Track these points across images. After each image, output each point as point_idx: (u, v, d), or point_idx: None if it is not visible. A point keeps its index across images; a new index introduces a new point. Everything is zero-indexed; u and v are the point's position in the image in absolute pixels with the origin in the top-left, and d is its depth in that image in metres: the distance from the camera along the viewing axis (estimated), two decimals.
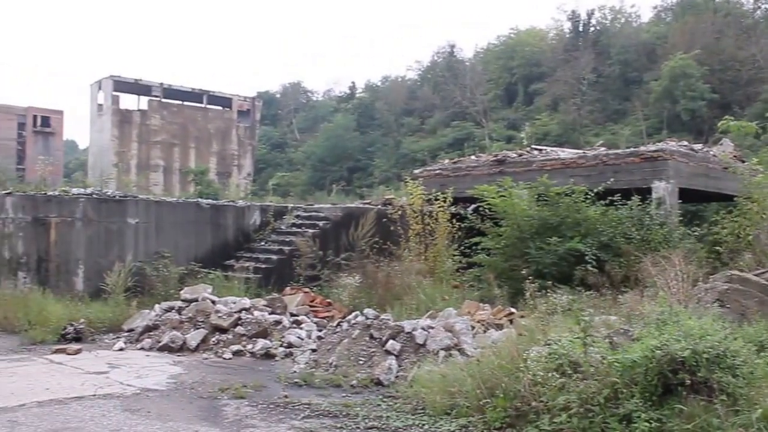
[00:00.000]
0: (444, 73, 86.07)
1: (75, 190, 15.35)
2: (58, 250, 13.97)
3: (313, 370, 9.01)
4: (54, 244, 13.91)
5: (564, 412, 5.85)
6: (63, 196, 14.41)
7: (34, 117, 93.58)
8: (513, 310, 10.99)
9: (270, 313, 11.42)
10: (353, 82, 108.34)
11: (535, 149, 20.78)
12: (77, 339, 11.12)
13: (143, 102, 76.72)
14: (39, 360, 9.85)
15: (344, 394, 8.03)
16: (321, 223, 16.27)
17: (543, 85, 72.08)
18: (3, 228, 13.76)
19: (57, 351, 10.26)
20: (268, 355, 10.16)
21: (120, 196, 15.50)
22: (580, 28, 74.57)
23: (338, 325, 10.14)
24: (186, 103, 79.71)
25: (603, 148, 19.66)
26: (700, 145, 20.70)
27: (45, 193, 14.57)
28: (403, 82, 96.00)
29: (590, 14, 74.88)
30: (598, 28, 74.71)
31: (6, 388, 8.01)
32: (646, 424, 5.45)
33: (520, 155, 19.57)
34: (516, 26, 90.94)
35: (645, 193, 15.30)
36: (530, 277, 9.08)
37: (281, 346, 10.37)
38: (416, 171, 21.39)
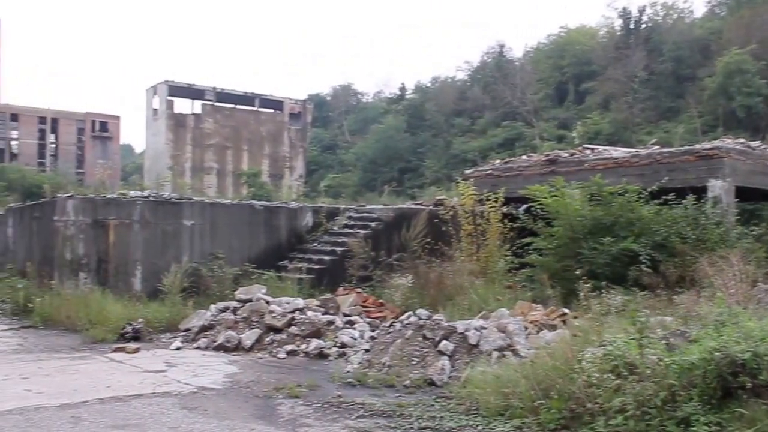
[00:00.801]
0: (494, 73, 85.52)
1: (132, 193, 15.69)
2: (117, 252, 14.30)
3: (367, 370, 9.05)
4: (113, 245, 14.24)
5: (620, 415, 5.79)
6: (121, 199, 14.76)
7: (93, 122, 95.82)
8: (566, 310, 10.89)
9: (323, 314, 11.51)
10: (403, 84, 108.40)
11: (587, 148, 20.55)
12: (136, 338, 11.37)
13: (197, 106, 77.97)
14: (100, 358, 10.10)
15: (397, 394, 8.05)
16: (373, 224, 16.34)
17: (594, 83, 71.18)
18: (65, 230, 14.10)
19: (116, 350, 10.51)
20: (321, 355, 10.25)
21: (176, 199, 15.81)
22: (632, 25, 73.33)
23: (391, 325, 10.16)
24: (238, 106, 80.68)
25: (656, 147, 19.33)
26: (758, 142, 20.24)
27: (104, 196, 14.92)
28: (452, 82, 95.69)
29: (641, 11, 73.63)
30: (649, 24, 73.41)
31: (69, 385, 8.24)
32: (705, 427, 5.37)
33: (572, 155, 19.38)
34: (566, 25, 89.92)
35: (700, 192, 15.00)
36: (584, 278, 8.99)
37: (334, 346, 10.46)
38: (467, 171, 21.33)
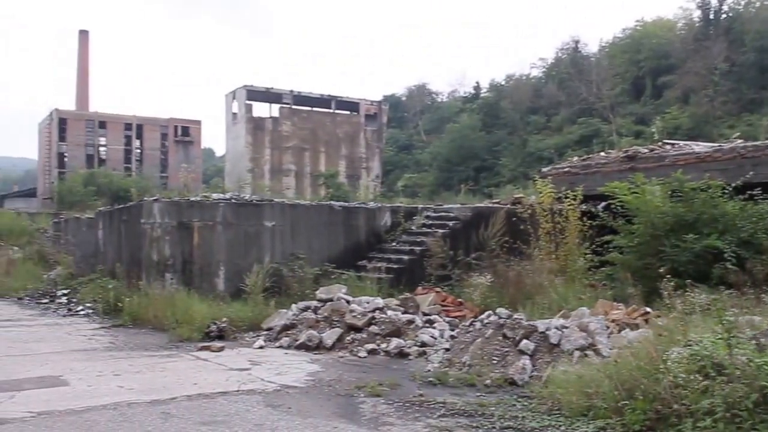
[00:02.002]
0: (569, 70, 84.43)
1: (215, 196, 16.05)
2: (201, 253, 14.66)
3: (447, 369, 9.06)
4: (197, 246, 14.61)
5: (708, 417, 5.64)
6: (204, 202, 15.12)
7: (175, 127, 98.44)
8: (648, 309, 10.67)
9: (403, 313, 11.56)
10: (477, 82, 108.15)
11: (667, 144, 20.06)
12: (220, 337, 11.65)
13: (275, 109, 79.11)
14: (186, 356, 10.38)
15: (478, 394, 8.03)
16: (451, 223, 16.32)
17: (672, 77, 69.45)
18: (151, 232, 14.54)
19: (202, 348, 10.78)
20: (401, 354, 10.30)
21: (257, 200, 16.11)
22: (711, 16, 71.25)
23: (471, 324, 10.15)
24: (315, 108, 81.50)
25: (740, 141, 18.72)
26: None
27: (188, 199, 15.32)
28: (527, 80, 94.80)
29: (722, 1, 71.32)
30: (730, 14, 71.19)
31: (158, 382, 8.50)
32: None
33: (652, 150, 18.93)
34: (642, 18, 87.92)
35: None
36: (666, 276, 8.80)
37: (415, 345, 10.50)
38: (544, 169, 21.09)
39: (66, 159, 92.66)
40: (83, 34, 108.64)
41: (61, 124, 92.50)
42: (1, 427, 6.48)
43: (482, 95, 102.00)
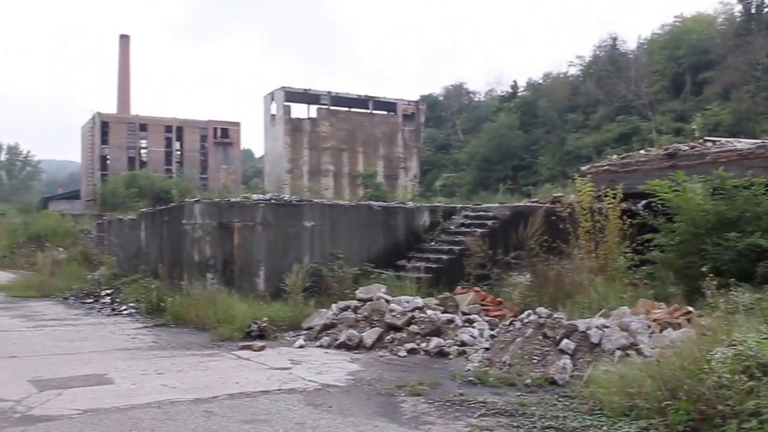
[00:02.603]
0: (607, 67, 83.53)
1: (255, 196, 16.19)
2: (242, 253, 14.80)
3: (487, 368, 9.03)
4: (237, 247, 14.75)
5: (754, 418, 5.55)
6: (244, 202, 15.26)
7: (215, 129, 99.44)
8: (690, 308, 10.52)
9: (442, 312, 11.55)
10: (515, 81, 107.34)
11: (708, 141, 19.75)
12: (261, 336, 11.74)
13: (312, 110, 79.43)
14: (228, 356, 10.49)
15: (519, 393, 7.99)
16: (490, 223, 16.26)
17: (712, 73, 68.32)
18: (192, 233, 14.71)
19: (243, 347, 10.88)
20: (441, 354, 10.29)
21: (296, 201, 16.21)
22: (753, 10, 69.78)
23: (511, 323, 10.10)
24: (353, 109, 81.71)
25: None
26: None
27: (228, 200, 15.48)
28: (565, 78, 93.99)
29: None
30: None
31: (201, 381, 8.60)
32: None
33: (693, 148, 18.67)
34: (681, 14, 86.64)
35: None
36: (709, 275, 8.67)
37: (454, 344, 10.49)
38: (583, 168, 20.91)
39: (108, 161, 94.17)
40: (124, 39, 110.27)
41: (103, 128, 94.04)
42: (49, 424, 6.61)
43: (520, 94, 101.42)
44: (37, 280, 20.49)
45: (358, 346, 10.80)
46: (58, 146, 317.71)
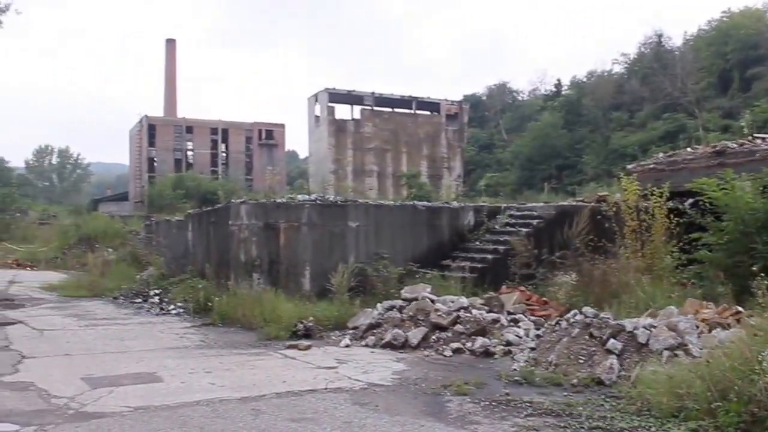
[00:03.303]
0: (652, 64, 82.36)
1: (300, 197, 16.30)
2: (287, 253, 14.92)
3: (533, 368, 8.99)
4: (283, 247, 14.87)
5: None
6: (290, 203, 15.39)
7: (260, 131, 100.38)
8: (740, 308, 10.33)
9: (487, 312, 11.53)
10: (558, 80, 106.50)
11: (758, 138, 19.32)
12: (307, 336, 11.82)
13: (356, 111, 79.69)
14: (274, 355, 10.59)
15: (565, 393, 7.95)
16: (535, 222, 16.16)
17: (761, 68, 66.93)
18: (239, 233, 14.87)
19: (289, 347, 10.97)
20: (487, 353, 10.27)
21: (341, 201, 16.29)
22: None
23: (557, 323, 10.04)
24: (396, 110, 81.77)
25: None
26: None
27: (274, 201, 15.61)
28: (609, 76, 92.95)
29: None
30: None
31: (248, 380, 8.70)
32: None
33: (741, 145, 18.27)
34: (728, 9, 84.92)
35: None
36: (760, 274, 8.50)
37: (500, 344, 10.45)
38: (629, 166, 20.62)
39: (155, 163, 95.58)
40: (170, 43, 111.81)
41: (150, 130, 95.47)
42: (101, 421, 6.74)
43: (564, 93, 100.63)
44: (87, 280, 20.83)
45: (403, 346, 10.82)
46: (107, 149, 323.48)
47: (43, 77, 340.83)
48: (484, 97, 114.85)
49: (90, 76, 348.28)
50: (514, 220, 16.71)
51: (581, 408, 7.18)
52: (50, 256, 31.37)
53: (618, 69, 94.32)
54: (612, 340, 8.88)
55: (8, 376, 8.86)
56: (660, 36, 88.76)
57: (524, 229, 15.87)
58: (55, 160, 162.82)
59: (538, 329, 10.88)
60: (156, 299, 17.00)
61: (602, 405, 7.33)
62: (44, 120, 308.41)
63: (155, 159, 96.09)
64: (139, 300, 17.41)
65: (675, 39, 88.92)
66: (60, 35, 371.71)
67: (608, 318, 9.45)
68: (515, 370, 9.04)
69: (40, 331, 12.69)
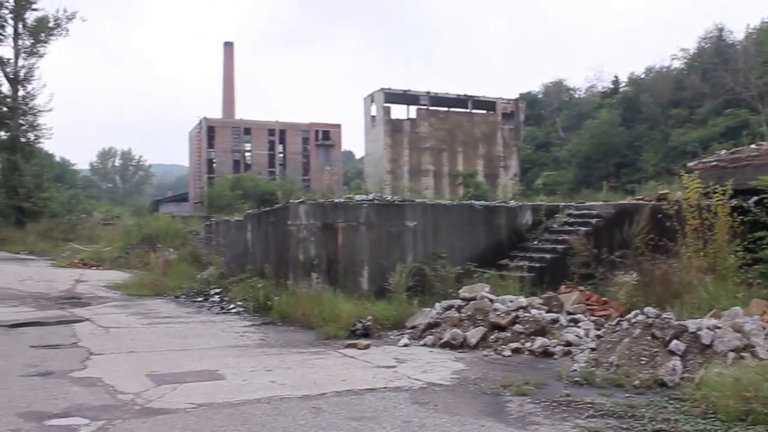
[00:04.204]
0: (713, 59, 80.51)
1: (358, 197, 16.37)
2: (345, 253, 15.01)
3: (594, 369, 8.88)
4: (341, 247, 14.97)
5: None
6: (348, 203, 15.48)
7: (316, 132, 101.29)
8: None
9: (546, 312, 11.43)
10: (616, 77, 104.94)
11: None
12: (365, 335, 11.88)
13: (412, 111, 79.81)
14: (333, 353, 10.65)
15: (627, 395, 7.83)
16: (594, 221, 15.96)
17: None
18: (297, 233, 15.01)
19: (348, 346, 11.03)
20: (546, 353, 10.19)
21: (398, 201, 16.33)
22: None
23: (617, 323, 9.90)
24: (452, 109, 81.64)
25: None
26: None
27: (332, 201, 15.73)
28: (668, 72, 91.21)
29: None
30: None
31: (308, 378, 8.78)
32: None
33: None
34: None
35: None
36: None
37: (559, 344, 10.36)
38: (690, 164, 20.20)
39: (214, 164, 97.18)
40: (228, 46, 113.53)
41: (209, 132, 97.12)
42: (166, 417, 6.88)
43: (621, 90, 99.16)
44: (150, 279, 21.20)
45: (462, 345, 10.79)
46: (167, 151, 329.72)
47: (106, 81, 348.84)
48: (541, 95, 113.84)
49: (151, 80, 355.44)
50: (572, 219, 16.54)
51: (644, 410, 7.06)
52: (114, 255, 31.97)
53: (677, 64, 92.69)
54: (675, 341, 8.73)
55: (77, 371, 9.10)
56: (721, 30, 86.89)
57: (583, 228, 15.69)
58: (118, 162, 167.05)
59: (598, 329, 10.74)
60: (216, 298, 17.24)
61: (665, 407, 7.20)
62: (108, 123, 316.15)
63: (214, 160, 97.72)
64: (200, 299, 17.66)
65: (737, 33, 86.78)
66: (121, 40, 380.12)
67: (670, 318, 9.28)
68: (575, 370, 8.95)
69: (106, 329, 12.99)
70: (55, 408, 7.18)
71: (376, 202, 15.86)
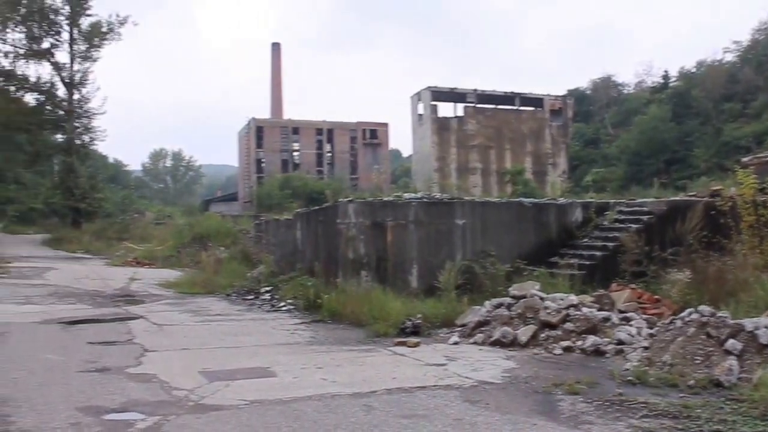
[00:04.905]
0: (767, 51, 78.57)
1: (406, 195, 16.38)
2: (394, 251, 15.04)
3: (647, 368, 8.75)
4: (390, 245, 15.00)
5: None
6: (397, 201, 15.51)
7: (363, 131, 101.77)
8: None
9: (598, 310, 11.31)
10: (666, 71, 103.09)
11: None
12: (415, 333, 11.89)
13: (459, 109, 79.59)
14: (383, 351, 10.69)
15: (682, 395, 7.71)
16: (645, 218, 15.74)
17: None
18: (347, 232, 15.09)
19: (398, 343, 11.06)
20: (597, 352, 10.09)
21: (447, 199, 16.30)
22: None
23: (671, 322, 9.75)
24: (499, 106, 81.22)
25: None
26: None
27: (381, 199, 15.77)
28: (720, 65, 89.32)
29: None
30: None
31: (359, 376, 8.83)
32: None
33: None
34: None
35: None
36: None
37: (611, 342, 10.25)
38: (745, 159, 19.86)
39: (263, 164, 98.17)
40: (275, 47, 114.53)
41: (258, 132, 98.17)
42: (219, 413, 6.99)
43: (671, 84, 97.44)
44: (201, 277, 21.46)
45: (512, 344, 10.75)
46: (217, 151, 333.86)
47: (157, 83, 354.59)
48: (589, 92, 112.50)
49: (200, 81, 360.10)
50: (623, 216, 16.33)
51: (699, 410, 6.94)
52: (166, 254, 32.43)
53: (729, 57, 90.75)
54: (731, 341, 8.57)
55: (133, 368, 9.28)
56: None
57: (634, 226, 15.49)
58: (169, 162, 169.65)
59: (650, 328, 10.60)
60: (267, 296, 17.39)
61: (722, 408, 7.07)
62: (159, 124, 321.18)
63: (263, 160, 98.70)
64: (251, 297, 17.83)
65: None
66: (171, 43, 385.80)
67: (726, 317, 9.12)
68: (628, 369, 8.83)
69: (160, 326, 13.21)
70: (113, 403, 7.34)
71: (424, 200, 15.86)
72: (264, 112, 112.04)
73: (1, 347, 10.67)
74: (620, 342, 10.25)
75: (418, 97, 79.17)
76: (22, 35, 51.44)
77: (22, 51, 51.65)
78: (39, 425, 6.43)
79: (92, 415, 6.84)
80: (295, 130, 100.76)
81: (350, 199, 15.86)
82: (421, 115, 79.09)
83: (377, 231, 15.04)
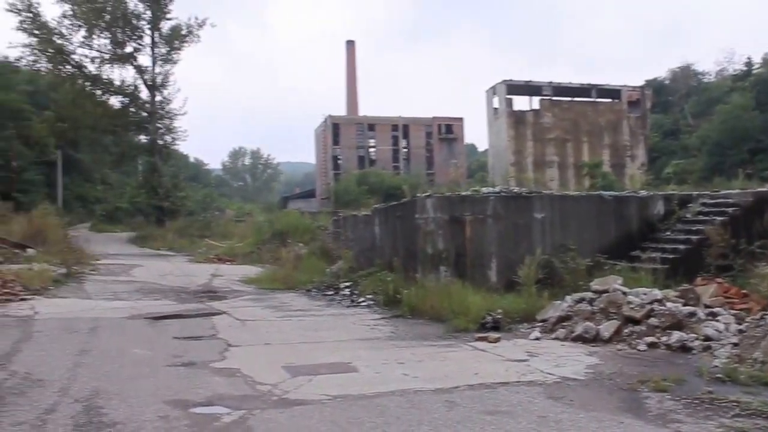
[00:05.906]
0: None
1: (484, 190, 16.31)
2: (473, 246, 14.98)
3: (737, 365, 8.51)
4: (469, 239, 14.95)
5: None
6: (475, 196, 15.45)
7: (439, 126, 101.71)
8: None
9: (683, 305, 11.05)
10: (749, 58, 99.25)
11: None
12: (495, 328, 11.83)
13: (534, 102, 78.67)
14: (464, 346, 10.69)
15: None
16: (730, 210, 15.27)
17: None
18: (425, 227, 15.11)
19: (479, 339, 11.04)
20: (683, 348, 9.85)
21: (526, 193, 16.16)
22: None
23: (761, 317, 9.48)
24: (575, 99, 79.93)
25: None
26: None
27: (459, 194, 15.72)
28: None
29: None
30: None
31: (440, 371, 8.85)
32: None
33: None
34: None
35: None
36: None
37: (697, 339, 10.00)
38: None
39: (340, 161, 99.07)
40: (350, 44, 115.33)
41: (334, 129, 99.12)
42: (303, 408, 7.10)
43: (755, 71, 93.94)
44: (281, 273, 21.74)
45: (594, 339, 10.59)
46: (294, 149, 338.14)
47: (235, 83, 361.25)
48: (667, 82, 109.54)
49: (277, 80, 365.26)
50: (707, 209, 15.89)
51: None
52: (246, 251, 32.99)
53: None
54: None
55: (217, 362, 9.49)
56: None
57: (719, 218, 15.04)
58: (248, 161, 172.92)
59: (739, 324, 10.31)
60: (346, 291, 17.51)
61: None
62: (238, 124, 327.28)
63: (339, 157, 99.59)
64: (330, 292, 17.99)
65: None
66: (248, 43, 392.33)
67: None
68: (716, 366, 8.59)
69: (242, 322, 13.46)
70: (198, 397, 7.53)
71: (503, 194, 15.75)
72: (340, 109, 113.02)
73: (92, 342, 11.03)
74: (707, 338, 9.99)
75: (493, 90, 78.53)
76: (107, 41, 53.16)
77: (107, 56, 53.39)
78: (130, 417, 6.64)
79: (180, 408, 7.02)
80: (371, 127, 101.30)
81: (428, 194, 15.87)
82: (496, 109, 78.43)
83: (455, 226, 15.01)
